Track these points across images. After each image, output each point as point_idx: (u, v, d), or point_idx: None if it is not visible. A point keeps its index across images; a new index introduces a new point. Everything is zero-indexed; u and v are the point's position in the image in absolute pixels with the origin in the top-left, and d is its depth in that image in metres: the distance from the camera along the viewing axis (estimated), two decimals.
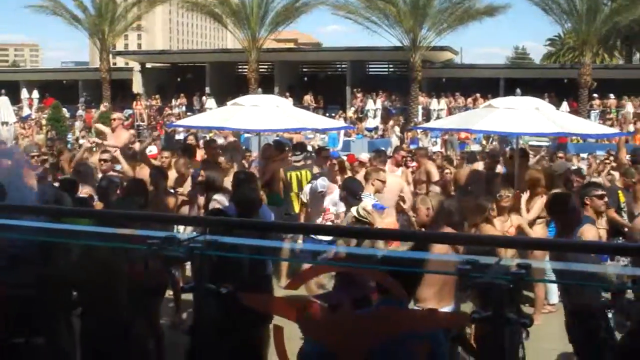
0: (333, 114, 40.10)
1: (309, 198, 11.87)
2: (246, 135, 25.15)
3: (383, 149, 18.44)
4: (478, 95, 43.38)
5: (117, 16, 49.87)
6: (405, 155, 14.87)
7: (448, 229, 7.42)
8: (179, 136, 29.80)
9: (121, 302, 6.32)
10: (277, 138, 19.63)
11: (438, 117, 40.11)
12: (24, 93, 48.82)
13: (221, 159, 12.28)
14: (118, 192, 10.43)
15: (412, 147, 27.94)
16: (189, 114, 43.56)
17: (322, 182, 11.45)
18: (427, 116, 43.47)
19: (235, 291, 4.54)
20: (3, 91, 29.80)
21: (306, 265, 5.71)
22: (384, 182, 10.74)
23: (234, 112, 14.01)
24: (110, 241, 5.99)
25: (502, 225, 9.94)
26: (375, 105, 43.22)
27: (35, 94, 49.70)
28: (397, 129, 31.60)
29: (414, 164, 15.79)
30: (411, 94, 44.23)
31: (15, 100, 39.69)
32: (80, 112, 42.60)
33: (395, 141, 29.66)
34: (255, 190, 9.07)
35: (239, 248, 4.73)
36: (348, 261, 4.77)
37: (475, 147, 28.30)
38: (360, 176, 11.62)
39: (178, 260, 4.43)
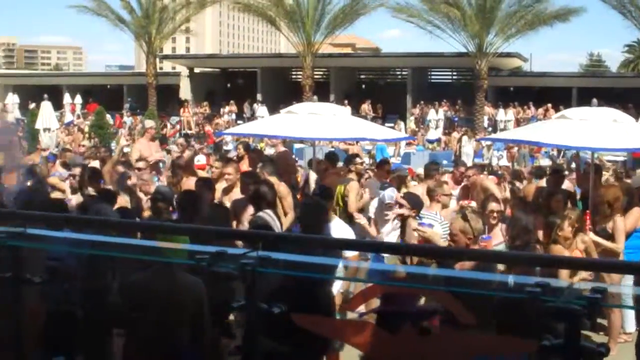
0: (391, 124, 39.99)
1: (377, 211, 11.63)
2: (298, 146, 25.26)
3: (437, 161, 18.36)
4: (549, 105, 42.88)
5: (165, 18, 50.23)
6: (464, 171, 14.62)
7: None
8: (228, 146, 29.99)
9: (174, 323, 6.35)
10: (332, 149, 19.65)
11: (505, 129, 39.78)
12: (67, 98, 49.41)
13: (261, 167, 12.25)
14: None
15: (475, 160, 27.81)
16: (239, 122, 43.77)
17: (390, 193, 11.27)
18: (494, 127, 43.18)
19: (289, 311, 4.54)
20: (46, 96, 30.19)
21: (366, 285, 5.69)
22: (450, 195, 10.57)
23: (288, 120, 14.06)
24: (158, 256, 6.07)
25: (569, 249, 9.73)
26: (437, 115, 43.06)
27: (78, 99, 50.25)
28: (474, 142, 31.34)
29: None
30: (476, 104, 43.92)
31: (57, 105, 40.24)
32: (125, 118, 43.08)
33: (470, 153, 29.38)
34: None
35: (294, 265, 4.74)
36: (410, 281, 4.74)
37: (545, 162, 28.01)
38: (418, 190, 11.49)
39: (229, 277, 4.45)
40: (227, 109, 49.26)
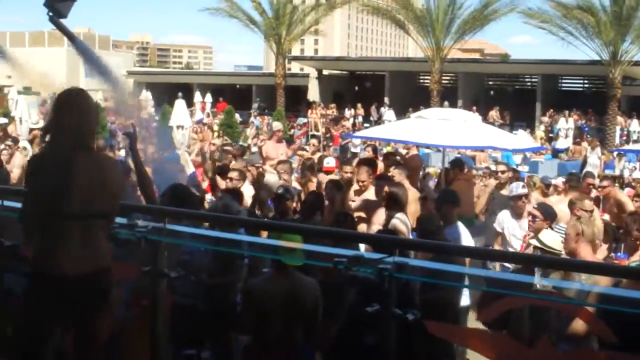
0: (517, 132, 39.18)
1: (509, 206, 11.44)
2: (426, 150, 25.14)
3: (575, 172, 17.96)
4: None
5: (295, 20, 50.75)
6: (593, 182, 14.26)
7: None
8: (356, 149, 30.10)
9: (294, 322, 6.42)
10: (458, 155, 19.49)
11: (638, 140, 38.67)
12: (197, 96, 50.38)
13: (394, 171, 12.17)
14: (294, 204, 10.69)
15: (606, 171, 27.13)
16: (365, 125, 43.89)
17: (517, 185, 11.24)
18: (627, 138, 42.01)
19: (422, 318, 4.54)
20: (180, 94, 30.82)
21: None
22: (591, 211, 10.31)
23: (418, 125, 14.01)
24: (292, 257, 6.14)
25: None
26: (567, 124, 42.17)
27: (209, 97, 51.12)
28: (598, 150, 30.71)
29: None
30: (608, 113, 42.81)
31: (188, 103, 41.01)
32: (253, 118, 43.64)
33: (595, 163, 28.76)
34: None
35: (429, 272, 4.74)
36: (549, 294, 4.67)
37: None
38: (563, 202, 11.27)
39: (366, 281, 4.47)
40: (353, 111, 49.38)
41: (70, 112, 5.00)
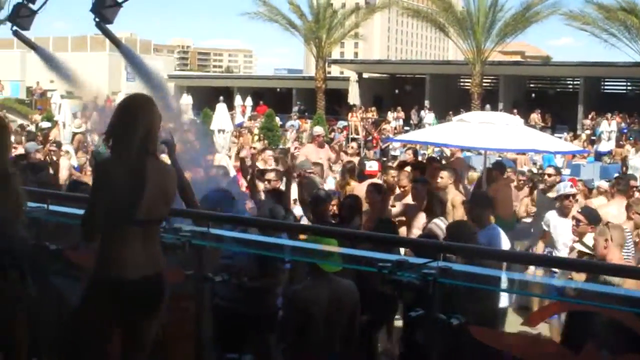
0: (560, 135, 38.82)
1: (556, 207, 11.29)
2: (467, 153, 25.03)
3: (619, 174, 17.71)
4: None
5: (335, 23, 50.79)
6: (636, 184, 14.06)
7: None
8: (396, 152, 30.04)
9: (335, 326, 6.41)
10: (499, 158, 19.39)
11: None
12: (238, 100, 50.57)
13: (443, 173, 12.09)
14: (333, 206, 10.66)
15: None
16: (406, 128, 43.79)
17: (566, 184, 11.18)
18: None
19: (467, 323, 4.52)
20: (221, 98, 31.04)
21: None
22: None
23: (460, 128, 13.94)
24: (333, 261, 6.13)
25: None
26: (609, 126, 41.74)
27: (249, 101, 51.29)
28: None
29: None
30: None
31: (228, 107, 41.15)
32: (291, 122, 43.63)
33: (637, 166, 28.45)
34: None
35: (475, 277, 4.71)
36: (595, 299, 4.62)
37: None
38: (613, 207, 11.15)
39: (410, 286, 4.46)
40: (394, 114, 49.22)
41: (138, 119, 5.07)
